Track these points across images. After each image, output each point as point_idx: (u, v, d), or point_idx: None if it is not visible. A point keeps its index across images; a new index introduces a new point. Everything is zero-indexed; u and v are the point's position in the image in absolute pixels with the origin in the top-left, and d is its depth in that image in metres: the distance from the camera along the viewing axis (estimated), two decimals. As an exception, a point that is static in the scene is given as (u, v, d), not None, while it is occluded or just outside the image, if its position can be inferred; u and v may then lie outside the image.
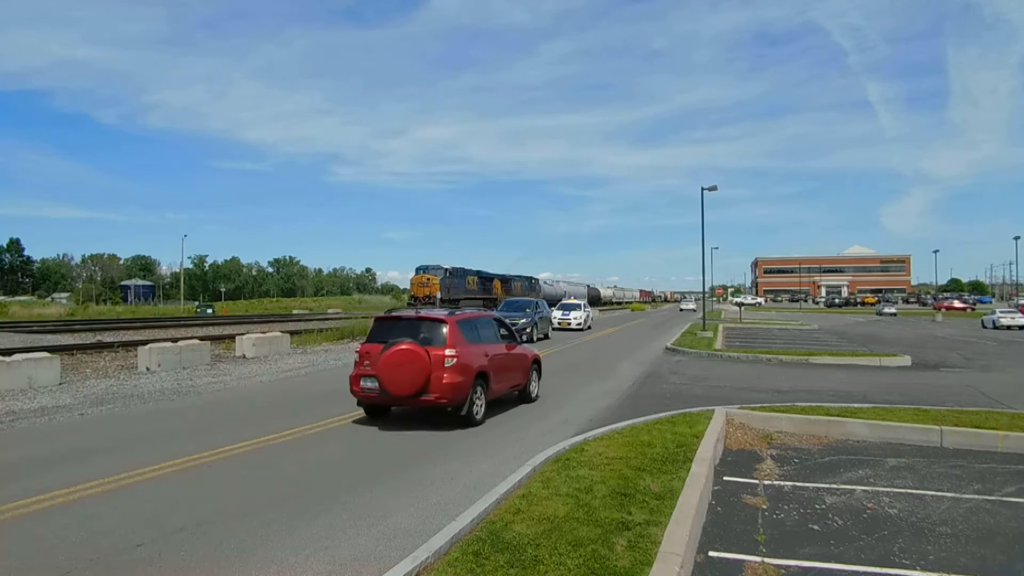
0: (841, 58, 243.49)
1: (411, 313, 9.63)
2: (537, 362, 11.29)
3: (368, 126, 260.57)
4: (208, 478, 6.06)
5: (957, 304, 75.89)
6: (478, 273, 55.35)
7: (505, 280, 61.28)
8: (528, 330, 22.32)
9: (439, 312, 9.68)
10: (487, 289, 56.76)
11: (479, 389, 9.02)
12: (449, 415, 8.66)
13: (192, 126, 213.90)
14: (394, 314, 9.73)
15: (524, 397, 10.86)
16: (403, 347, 8.38)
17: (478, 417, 8.98)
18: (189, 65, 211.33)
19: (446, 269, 48.39)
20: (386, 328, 9.18)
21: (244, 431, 8.00)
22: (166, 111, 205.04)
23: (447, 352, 8.55)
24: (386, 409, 9.35)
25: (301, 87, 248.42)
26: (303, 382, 12.84)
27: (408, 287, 51.60)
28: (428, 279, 46.88)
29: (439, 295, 37.42)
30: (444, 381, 8.39)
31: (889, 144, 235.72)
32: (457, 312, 9.92)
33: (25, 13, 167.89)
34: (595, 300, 75.09)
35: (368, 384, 8.66)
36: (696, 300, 73.45)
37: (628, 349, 21.40)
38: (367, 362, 8.76)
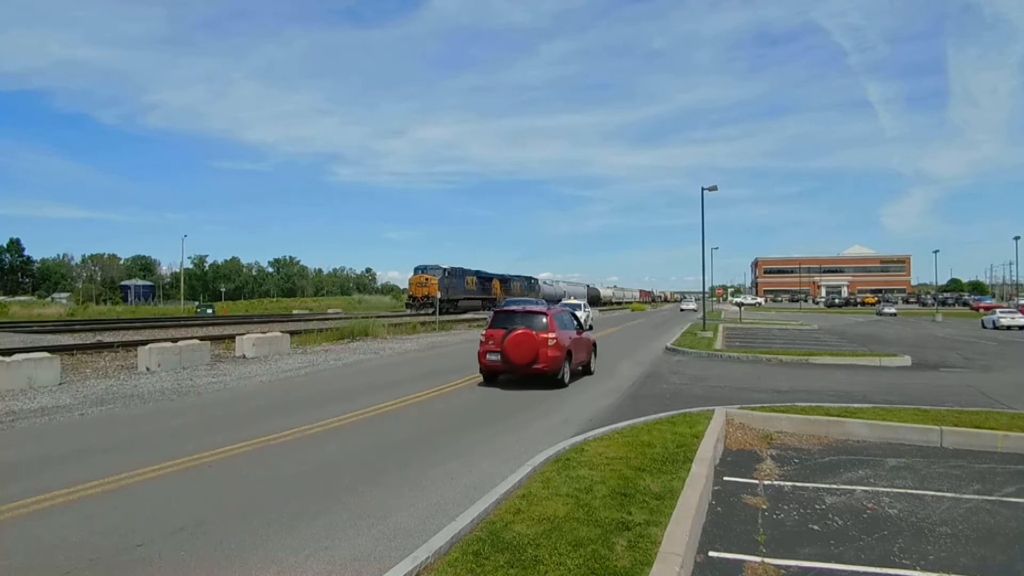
0: (841, 58, 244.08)
1: (519, 307, 13.31)
2: (595, 345, 14.78)
3: (368, 126, 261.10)
4: (208, 478, 6.05)
5: (985, 304, 77.28)
6: (477, 273, 55.21)
7: (504, 280, 61.17)
8: None
9: (540, 306, 13.62)
10: (486, 289, 56.64)
11: (567, 361, 12.21)
12: (548, 379, 11.94)
13: (192, 126, 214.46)
14: (507, 308, 13.44)
15: (586, 370, 14.05)
16: (521, 331, 11.65)
17: (566, 380, 12.21)
18: (189, 65, 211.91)
19: (444, 269, 48.22)
20: (503, 318, 12.61)
21: (244, 431, 8.00)
22: (166, 111, 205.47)
23: (549, 335, 11.79)
24: (496, 376, 12.67)
25: (301, 87, 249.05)
26: (303, 382, 12.84)
27: (407, 287, 51.55)
28: (427, 279, 46.73)
29: (438, 295, 37.27)
30: (549, 355, 11.67)
31: (889, 144, 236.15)
32: (552, 307, 13.64)
33: (25, 13, 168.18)
34: (595, 300, 75.17)
35: (492, 357, 12.10)
36: (696, 300, 73.53)
37: (628, 349, 21.39)
38: (491, 342, 12.12)
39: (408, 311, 46.64)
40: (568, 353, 12.22)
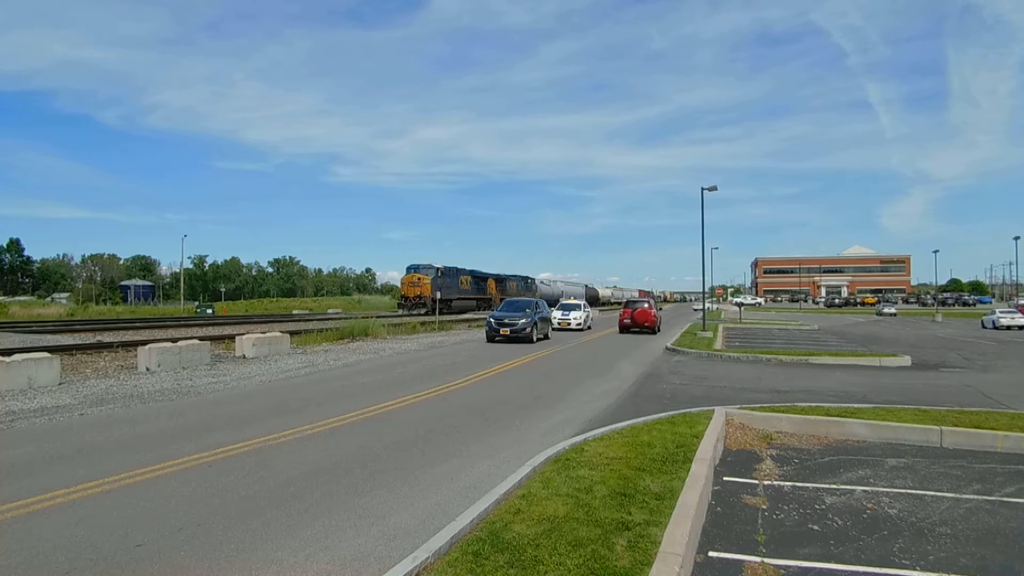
0: (841, 59, 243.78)
1: (635, 299, 34.92)
2: (660, 318, 31.21)
3: (369, 126, 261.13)
4: (208, 478, 6.05)
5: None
6: (472, 272, 54.54)
7: (500, 280, 60.54)
8: (528, 330, 22.31)
9: (646, 299, 32.78)
10: (481, 289, 56.01)
11: (659, 322, 29.84)
12: (649, 330, 28.27)
13: (193, 127, 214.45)
14: (631, 300, 32.16)
15: (656, 329, 29.01)
16: (640, 309, 28.81)
17: (656, 331, 28.63)
18: (191, 66, 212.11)
19: (437, 268, 47.30)
20: (630, 304, 29.76)
21: (244, 431, 8.00)
22: (168, 111, 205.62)
23: (652, 311, 28.94)
24: (627, 329, 28.61)
25: (303, 87, 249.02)
26: (303, 382, 12.84)
27: (399, 287, 50.76)
28: (419, 279, 45.88)
29: (437, 295, 36.93)
30: (651, 319, 28.39)
31: (889, 144, 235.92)
32: (649, 299, 32.83)
33: (27, 14, 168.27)
34: (593, 300, 75.11)
35: (627, 321, 28.52)
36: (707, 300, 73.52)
37: (628, 349, 21.38)
38: (625, 314, 28.87)
39: (400, 311, 45.78)
40: (657, 319, 28.98)
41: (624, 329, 28.62)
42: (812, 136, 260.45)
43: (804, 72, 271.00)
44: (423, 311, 43.87)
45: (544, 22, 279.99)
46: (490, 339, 22.76)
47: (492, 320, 23.06)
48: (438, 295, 36.78)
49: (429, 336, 26.39)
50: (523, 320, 22.59)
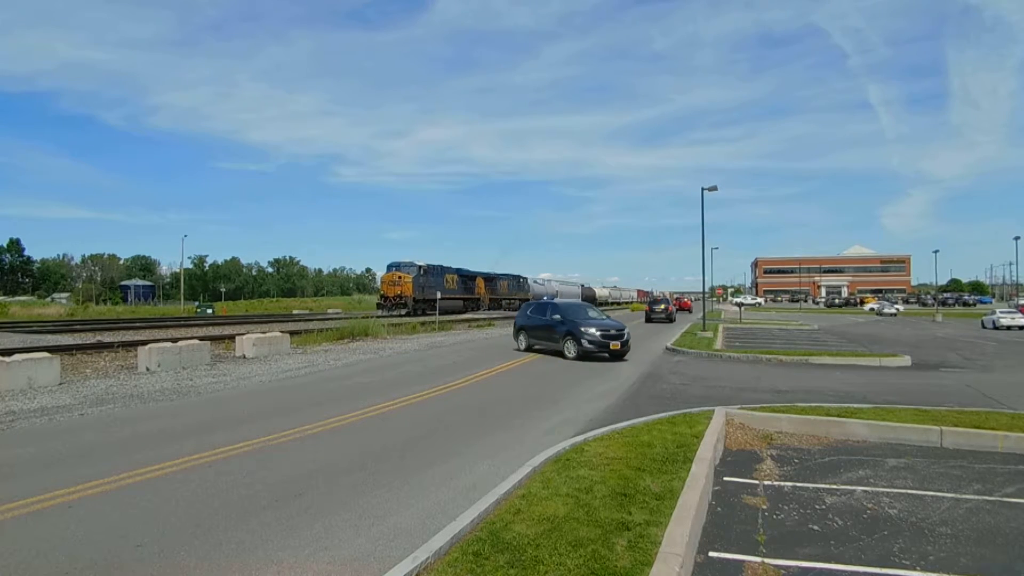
0: (842, 60, 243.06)
1: (679, 295, 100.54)
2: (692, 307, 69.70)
3: (371, 127, 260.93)
4: (208, 478, 6.05)
5: None
6: (458, 271, 52.53)
7: (489, 279, 58.85)
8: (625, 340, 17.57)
9: (687, 297, 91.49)
10: (469, 288, 54.10)
11: (692, 307, 70.18)
12: (687, 311, 63.83)
13: (196, 127, 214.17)
14: (678, 296, 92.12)
15: (690, 311, 65.47)
16: (686, 300, 74.43)
17: (692, 312, 63.85)
18: (194, 67, 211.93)
19: (420, 267, 44.58)
20: (678, 299, 77.38)
21: (244, 431, 8.00)
22: (171, 112, 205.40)
23: (690, 301, 74.09)
24: (678, 311, 58.79)
25: (306, 88, 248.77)
26: (303, 382, 12.84)
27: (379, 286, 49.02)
28: (399, 277, 43.42)
29: (438, 295, 36.33)
30: (689, 304, 70.38)
31: (889, 145, 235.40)
32: (685, 298, 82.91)
33: (31, 15, 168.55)
34: (590, 300, 74.89)
35: (674, 308, 48.30)
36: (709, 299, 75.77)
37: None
38: (675, 303, 61.64)
39: (379, 311, 42.55)
40: (691, 305, 70.12)
41: (677, 310, 54.77)
42: (813, 136, 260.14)
43: (805, 73, 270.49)
44: (403, 312, 41.74)
45: (546, 23, 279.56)
46: (581, 357, 16.95)
47: (586, 333, 16.98)
48: (438, 295, 36.34)
49: (429, 336, 26.39)
50: (627, 329, 17.98)
